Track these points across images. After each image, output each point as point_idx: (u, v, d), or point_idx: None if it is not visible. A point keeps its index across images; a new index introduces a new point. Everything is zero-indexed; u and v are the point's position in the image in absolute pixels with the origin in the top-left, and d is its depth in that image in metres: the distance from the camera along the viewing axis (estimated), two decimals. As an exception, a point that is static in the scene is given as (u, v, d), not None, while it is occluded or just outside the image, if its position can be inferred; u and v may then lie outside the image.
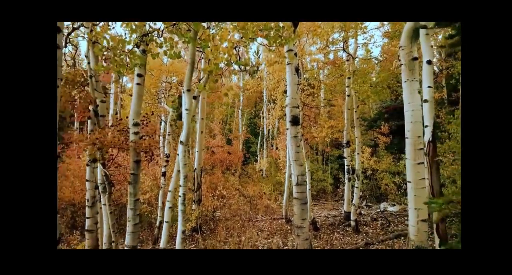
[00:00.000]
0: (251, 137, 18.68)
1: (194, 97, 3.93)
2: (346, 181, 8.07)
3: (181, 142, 3.33)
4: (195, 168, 7.49)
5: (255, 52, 25.44)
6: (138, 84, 3.62)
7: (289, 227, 7.84)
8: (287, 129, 4.66)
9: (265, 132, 16.41)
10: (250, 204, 10.12)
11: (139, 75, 3.61)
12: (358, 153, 7.39)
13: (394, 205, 9.15)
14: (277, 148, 14.22)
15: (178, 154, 3.32)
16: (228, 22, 2.96)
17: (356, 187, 7.30)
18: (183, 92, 3.48)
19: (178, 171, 4.25)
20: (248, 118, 20.62)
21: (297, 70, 4.73)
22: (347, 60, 8.19)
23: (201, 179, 7.61)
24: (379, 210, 8.91)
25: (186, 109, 3.50)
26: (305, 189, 4.51)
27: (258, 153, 16.53)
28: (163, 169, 6.81)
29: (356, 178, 7.34)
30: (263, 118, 16.96)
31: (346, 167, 8.06)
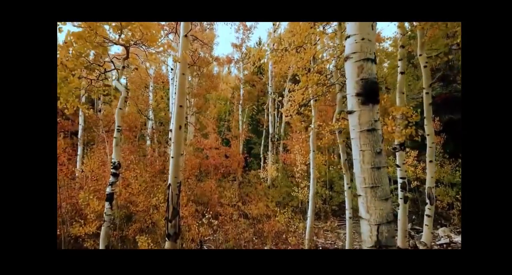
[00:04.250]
0: (253, 136, 15.87)
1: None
2: (400, 202, 5.30)
3: None
4: (169, 184, 4.72)
5: (257, 43, 22.65)
6: None
7: None
8: (349, 113, 1.90)
9: (270, 130, 13.63)
10: (254, 228, 7.36)
11: None
12: (431, 161, 4.61)
13: (460, 232, 6.38)
14: (287, 150, 11.43)
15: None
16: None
17: (429, 216, 4.51)
18: None
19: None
20: (249, 116, 17.82)
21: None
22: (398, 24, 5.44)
23: (179, 201, 4.84)
24: (442, 241, 6.15)
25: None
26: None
27: (261, 156, 13.71)
28: (108, 189, 4.03)
29: (428, 200, 4.56)
30: (268, 114, 14.19)
31: (400, 181, 5.30)
